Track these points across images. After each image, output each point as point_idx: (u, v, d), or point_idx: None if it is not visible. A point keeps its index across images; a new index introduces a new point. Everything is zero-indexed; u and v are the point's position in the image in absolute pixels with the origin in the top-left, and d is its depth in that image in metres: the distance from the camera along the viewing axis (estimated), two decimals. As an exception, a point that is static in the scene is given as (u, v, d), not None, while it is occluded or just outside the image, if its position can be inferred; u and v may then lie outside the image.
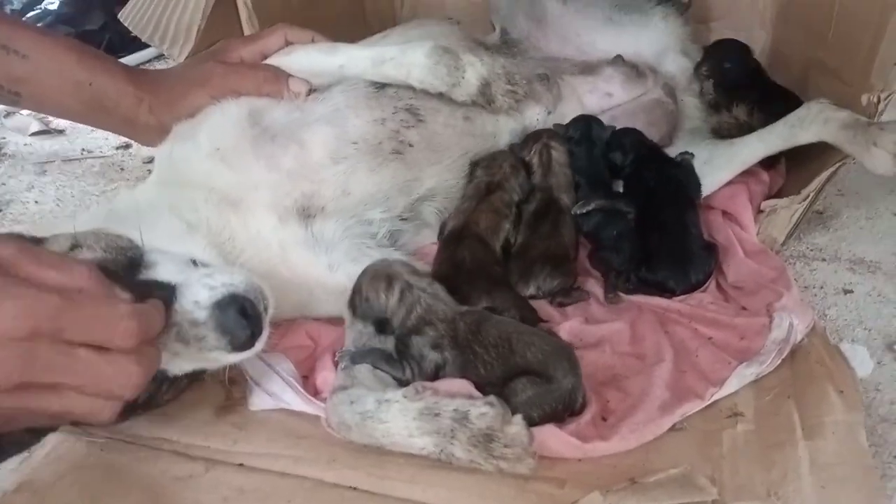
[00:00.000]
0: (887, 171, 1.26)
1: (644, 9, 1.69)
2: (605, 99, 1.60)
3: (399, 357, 1.15)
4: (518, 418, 0.96)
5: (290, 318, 1.26)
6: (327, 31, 1.64)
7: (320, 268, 1.28)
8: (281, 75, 1.34)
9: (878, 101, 1.34)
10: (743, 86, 1.63)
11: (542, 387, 1.02)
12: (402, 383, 1.11)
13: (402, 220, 1.40)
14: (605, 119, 1.56)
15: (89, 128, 2.08)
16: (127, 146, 2.02)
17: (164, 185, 1.26)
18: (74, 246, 0.99)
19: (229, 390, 1.16)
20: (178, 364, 0.99)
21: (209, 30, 1.50)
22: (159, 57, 2.41)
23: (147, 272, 1.00)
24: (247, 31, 1.58)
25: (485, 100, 1.37)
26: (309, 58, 1.37)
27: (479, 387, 1.07)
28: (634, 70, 1.61)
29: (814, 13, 1.66)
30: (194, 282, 0.97)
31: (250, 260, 1.20)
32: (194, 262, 1.03)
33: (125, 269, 0.99)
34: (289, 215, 1.27)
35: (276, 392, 1.12)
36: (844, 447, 1.01)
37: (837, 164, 1.38)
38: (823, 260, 1.47)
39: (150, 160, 1.94)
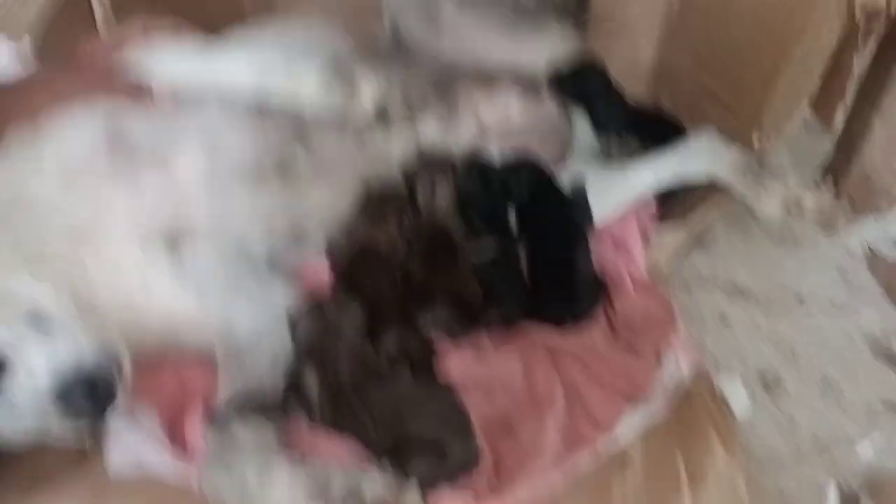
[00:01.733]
0: (775, 217, 1.29)
1: (541, 21, 1.64)
2: (501, 112, 1.54)
3: (287, 392, 1.07)
4: (413, 489, 0.92)
5: (153, 354, 1.13)
6: (199, 16, 1.48)
7: (189, 300, 1.15)
8: (139, 83, 1.17)
9: (768, 144, 1.37)
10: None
11: (435, 461, 0.98)
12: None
13: (284, 240, 1.29)
14: (499, 134, 1.51)
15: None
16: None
17: (1, 209, 1.09)
18: None
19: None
20: (19, 434, 0.87)
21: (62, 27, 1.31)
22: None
23: None
24: (98, 14, 1.39)
25: (380, 118, 1.28)
26: (179, 58, 1.20)
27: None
28: (531, 85, 1.57)
29: (705, 39, 1.67)
30: (31, 345, 0.85)
31: (106, 295, 1.07)
32: (33, 315, 0.90)
33: None
34: (153, 244, 1.13)
35: (139, 452, 1.00)
36: (726, 498, 1.05)
37: (724, 198, 1.40)
38: (702, 285, 1.51)
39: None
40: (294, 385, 1.09)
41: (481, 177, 1.42)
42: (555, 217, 1.37)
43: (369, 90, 1.24)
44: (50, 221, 1.06)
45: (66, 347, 0.86)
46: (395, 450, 1.00)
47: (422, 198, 1.37)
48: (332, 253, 1.32)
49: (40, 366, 0.84)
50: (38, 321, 0.90)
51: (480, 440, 1.06)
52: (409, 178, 1.39)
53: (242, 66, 1.19)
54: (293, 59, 1.21)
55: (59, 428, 0.85)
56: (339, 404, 1.06)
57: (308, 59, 1.22)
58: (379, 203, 1.34)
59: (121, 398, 0.89)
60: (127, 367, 0.90)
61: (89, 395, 0.84)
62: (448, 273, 1.28)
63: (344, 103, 1.23)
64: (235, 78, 1.19)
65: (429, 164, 1.40)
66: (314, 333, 1.13)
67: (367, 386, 1.06)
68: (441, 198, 1.37)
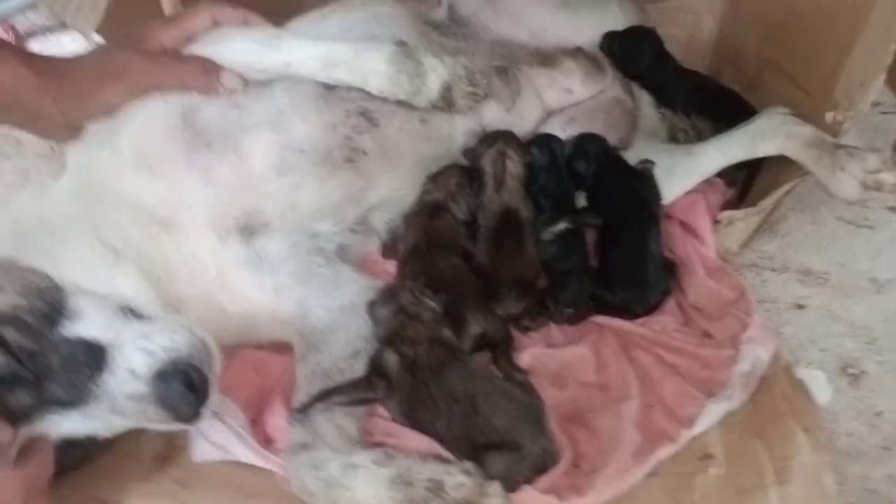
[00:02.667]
0: (852, 198, 1.24)
1: (599, -7, 1.59)
2: (565, 95, 1.51)
3: (370, 373, 1.07)
4: (496, 488, 0.90)
5: (231, 346, 1.13)
6: (259, 2, 1.47)
7: (265, 291, 1.16)
8: (211, 68, 1.15)
9: (843, 121, 1.31)
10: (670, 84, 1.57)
11: (511, 458, 0.96)
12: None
13: (353, 231, 1.29)
14: (564, 118, 1.48)
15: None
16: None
17: (78, 198, 1.09)
18: None
19: (169, 437, 1.04)
20: (110, 428, 0.87)
21: (124, 3, 1.30)
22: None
23: (70, 324, 0.85)
24: (166, 4, 1.38)
25: (445, 104, 1.25)
26: (247, 50, 1.17)
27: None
28: (595, 64, 1.52)
29: (770, 12, 1.61)
30: (128, 342, 0.84)
31: (186, 287, 1.08)
32: (126, 310, 0.89)
33: (43, 319, 0.85)
34: (229, 234, 1.14)
35: (222, 443, 1.01)
36: (813, 492, 1.03)
37: (797, 181, 1.36)
38: (773, 270, 1.47)
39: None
40: (375, 368, 1.08)
41: (550, 154, 1.39)
42: (625, 197, 1.34)
43: (436, 76, 1.22)
44: (129, 210, 1.07)
45: (162, 341, 0.86)
46: (473, 444, 0.98)
47: (490, 172, 1.34)
48: (396, 241, 1.31)
49: (139, 360, 0.83)
50: (129, 314, 0.90)
51: (559, 435, 1.04)
52: (476, 154, 1.37)
53: (311, 55, 1.18)
54: (360, 48, 1.19)
55: (157, 421, 0.85)
56: (417, 387, 1.05)
57: (375, 47, 1.19)
58: (443, 179, 1.32)
59: (214, 391, 0.88)
60: (218, 360, 0.90)
61: (187, 389, 0.84)
62: (515, 259, 1.26)
63: (411, 89, 1.21)
64: (304, 67, 1.17)
65: (497, 137, 1.37)
66: (393, 320, 1.12)
67: (445, 371, 1.04)
68: (510, 173, 1.34)
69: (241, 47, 1.17)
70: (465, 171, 1.37)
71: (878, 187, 1.23)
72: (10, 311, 0.83)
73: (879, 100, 1.34)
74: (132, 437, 1.00)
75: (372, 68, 1.18)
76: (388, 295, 1.16)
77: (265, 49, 1.18)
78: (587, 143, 1.41)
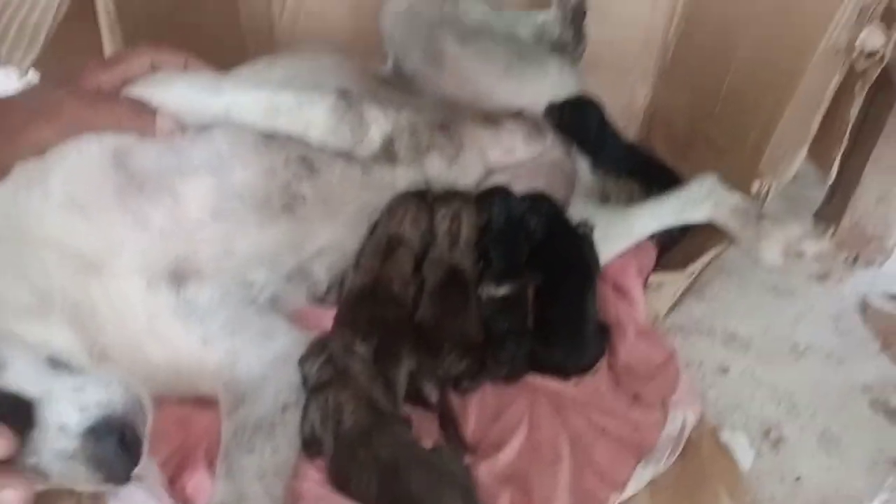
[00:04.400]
0: (775, 264, 1.29)
1: (541, 59, 1.64)
2: (507, 155, 1.52)
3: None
4: None
5: (153, 399, 1.08)
6: (199, 41, 1.46)
7: (193, 341, 1.11)
8: (147, 110, 1.12)
9: (768, 190, 1.37)
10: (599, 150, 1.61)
11: None
12: None
13: (288, 281, 1.26)
14: (507, 175, 1.49)
15: None
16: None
17: (3, 240, 1.03)
18: None
19: (79, 499, 0.98)
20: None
21: (63, 38, 1.27)
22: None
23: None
24: (107, 41, 1.35)
25: (387, 156, 1.25)
26: (187, 95, 1.15)
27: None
28: (535, 126, 1.55)
29: (700, 84, 1.69)
30: (59, 396, 0.79)
31: (113, 335, 1.03)
32: (54, 363, 0.85)
33: None
34: (159, 280, 1.10)
35: (139, 501, 0.95)
36: (737, 557, 1.03)
37: (724, 247, 1.41)
38: (700, 333, 1.51)
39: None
40: (305, 429, 1.05)
41: (507, 209, 1.39)
42: (570, 258, 1.35)
43: (377, 127, 1.23)
44: (56, 254, 1.02)
45: (96, 396, 0.81)
46: None
47: (445, 230, 1.34)
48: (340, 289, 1.29)
49: (71, 416, 0.79)
50: (58, 367, 0.85)
51: (492, 501, 1.02)
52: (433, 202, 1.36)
53: (252, 102, 1.16)
54: (302, 97, 1.18)
55: (85, 482, 0.80)
56: (341, 450, 1.02)
57: (317, 97, 1.19)
58: (390, 238, 1.31)
59: (146, 451, 0.84)
60: (150, 417, 0.86)
61: (121, 447, 0.79)
62: (459, 317, 1.25)
63: (352, 140, 1.21)
64: (245, 115, 1.16)
65: (454, 197, 1.37)
66: (322, 376, 1.09)
67: (371, 435, 1.02)
68: (464, 234, 1.34)
69: (180, 92, 1.15)
70: (421, 201, 1.36)
71: (799, 256, 1.28)
72: None
73: (801, 171, 1.41)
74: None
75: (313, 118, 1.18)
76: (319, 346, 1.14)
77: (205, 94, 1.16)
78: (540, 201, 1.43)
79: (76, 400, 0.80)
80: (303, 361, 1.12)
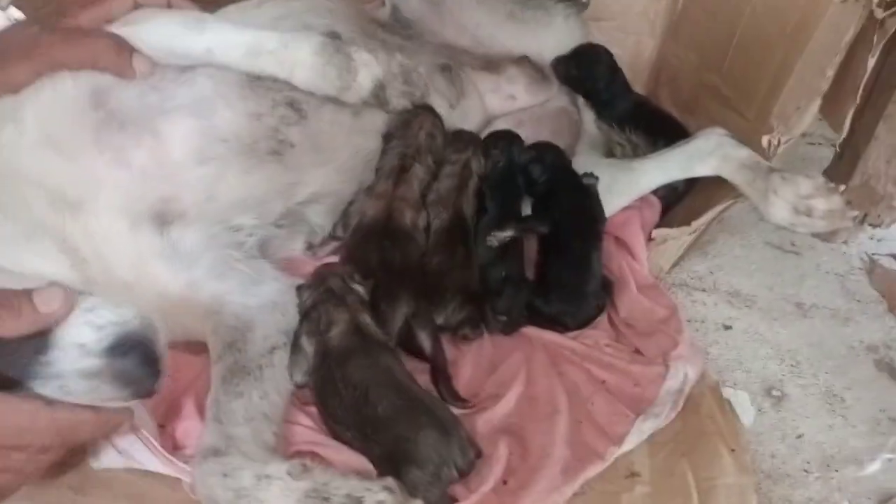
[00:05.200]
0: (784, 221, 1.25)
1: (546, 6, 1.59)
2: (509, 101, 1.49)
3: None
4: None
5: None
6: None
7: (179, 285, 1.08)
8: (123, 47, 1.07)
9: (779, 144, 1.33)
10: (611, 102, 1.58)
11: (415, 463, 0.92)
12: None
13: (277, 226, 1.23)
14: (512, 121, 1.46)
15: None
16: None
17: None
18: None
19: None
20: None
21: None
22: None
23: None
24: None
25: (378, 102, 1.20)
26: (168, 33, 1.10)
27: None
28: (539, 73, 1.51)
29: (709, 36, 1.63)
30: (70, 319, 0.77)
31: (101, 275, 1.00)
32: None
33: None
34: (142, 221, 1.06)
35: (126, 448, 0.93)
36: (736, 513, 1.01)
37: (731, 202, 1.37)
38: (703, 290, 1.48)
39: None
40: (295, 350, 1.06)
41: (509, 155, 1.36)
42: (575, 211, 1.32)
43: (367, 72, 1.17)
44: (34, 188, 0.99)
45: (109, 315, 0.79)
46: (363, 436, 0.97)
47: (453, 171, 1.31)
48: (349, 216, 1.29)
49: (88, 335, 0.77)
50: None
51: (489, 449, 1.01)
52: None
53: (235, 42, 1.11)
54: (288, 38, 1.13)
55: (110, 398, 0.79)
56: (326, 371, 1.02)
57: (304, 37, 1.13)
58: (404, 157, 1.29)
59: (166, 365, 0.82)
60: (163, 335, 0.84)
61: (141, 360, 0.78)
62: (463, 267, 1.23)
63: (340, 84, 1.15)
64: (227, 55, 1.11)
65: (469, 143, 1.34)
66: (316, 299, 1.09)
67: (350, 358, 1.02)
68: (473, 181, 1.32)
69: (161, 30, 1.10)
70: (436, 119, 1.33)
71: (809, 212, 1.24)
72: None
73: (808, 131, 1.37)
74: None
75: (299, 59, 1.12)
76: (318, 278, 1.13)
77: (187, 32, 1.11)
78: (545, 150, 1.40)
79: (89, 319, 0.78)
80: (300, 290, 1.11)
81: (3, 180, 0.99)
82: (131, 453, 0.93)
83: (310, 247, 1.31)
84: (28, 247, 0.94)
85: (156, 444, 0.93)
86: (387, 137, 1.32)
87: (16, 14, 1.38)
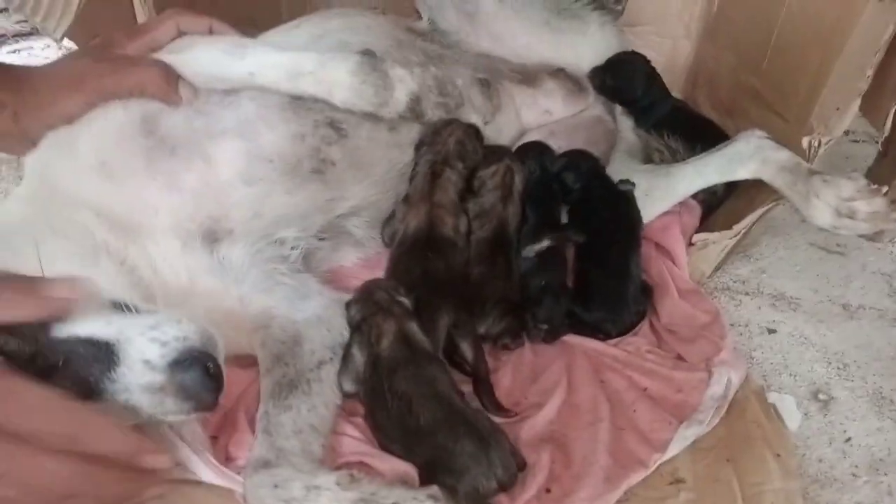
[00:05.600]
0: (826, 224, 1.24)
1: (581, 15, 1.60)
2: (545, 116, 1.51)
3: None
4: None
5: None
6: (234, 7, 1.45)
7: (230, 300, 1.13)
8: (170, 74, 1.12)
9: (819, 146, 1.32)
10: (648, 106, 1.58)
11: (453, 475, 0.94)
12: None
13: (320, 239, 1.27)
14: (544, 132, 1.47)
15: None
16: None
17: (39, 203, 1.06)
18: None
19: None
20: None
21: (96, 7, 1.27)
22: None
23: (62, 325, 0.82)
24: (138, 10, 1.35)
25: (414, 115, 1.23)
26: (211, 58, 1.15)
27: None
28: (577, 85, 1.53)
29: (746, 37, 1.62)
30: (136, 335, 0.82)
31: (159, 292, 1.05)
32: (118, 305, 0.87)
33: (29, 328, 0.80)
34: (193, 240, 1.11)
35: (181, 460, 0.97)
36: (784, 519, 1.00)
37: (772, 204, 1.36)
38: (747, 294, 1.47)
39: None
40: (346, 362, 1.10)
41: (542, 165, 1.38)
42: (612, 218, 1.33)
43: (403, 87, 1.20)
44: (92, 215, 1.04)
45: (173, 331, 0.83)
46: (407, 447, 0.99)
47: (497, 184, 1.33)
48: (394, 229, 1.31)
49: (153, 351, 0.81)
50: (123, 310, 0.87)
51: (532, 457, 1.02)
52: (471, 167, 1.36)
53: (275, 65, 1.16)
54: (325, 58, 1.17)
55: (174, 412, 0.82)
56: (376, 381, 1.05)
57: (341, 57, 1.18)
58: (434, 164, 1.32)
59: (225, 377, 0.86)
60: (223, 350, 0.87)
61: (203, 374, 0.81)
62: (504, 278, 1.25)
63: (377, 101, 1.19)
64: (268, 78, 1.16)
65: (504, 154, 1.36)
66: (365, 312, 1.12)
67: (398, 369, 1.04)
68: (517, 189, 1.34)
69: (205, 56, 1.15)
70: (468, 128, 1.35)
71: (852, 215, 1.23)
72: None
73: (851, 128, 1.35)
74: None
75: (337, 79, 1.16)
76: (365, 292, 1.16)
77: (229, 58, 1.16)
78: (579, 157, 1.41)
79: (154, 336, 0.82)
80: (349, 304, 1.15)
81: (63, 208, 1.04)
82: (185, 464, 0.97)
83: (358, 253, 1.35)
84: (90, 268, 0.98)
85: (209, 455, 0.97)
86: (418, 146, 1.35)
87: (68, 44, 1.44)
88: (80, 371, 0.79)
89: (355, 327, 1.12)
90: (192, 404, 0.82)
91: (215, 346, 0.86)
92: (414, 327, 1.10)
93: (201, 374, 0.81)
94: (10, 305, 0.84)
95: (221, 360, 0.86)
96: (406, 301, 1.13)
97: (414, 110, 1.23)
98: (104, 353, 0.80)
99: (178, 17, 1.20)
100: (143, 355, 0.81)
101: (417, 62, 1.29)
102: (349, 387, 1.08)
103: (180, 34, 1.20)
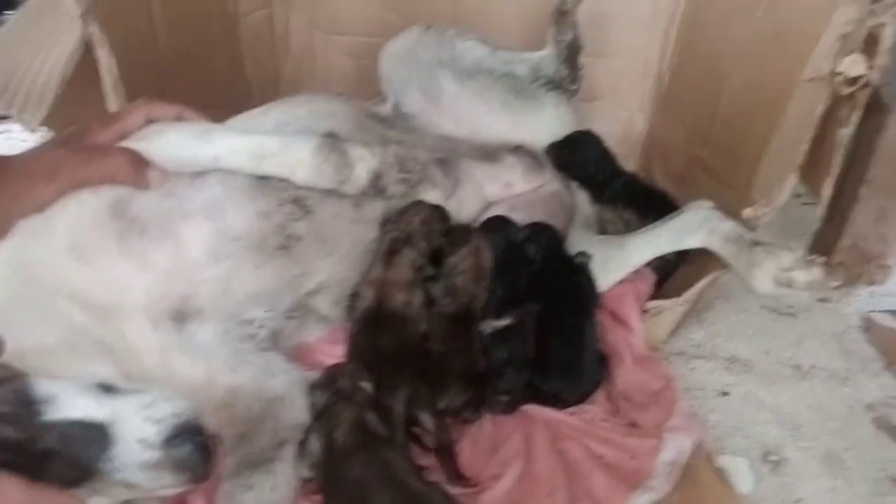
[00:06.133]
0: (768, 292, 1.30)
1: (537, 95, 1.68)
2: (506, 189, 1.58)
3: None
4: None
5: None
6: (206, 91, 1.52)
7: (199, 378, 1.16)
8: (140, 161, 1.17)
9: (760, 217, 1.39)
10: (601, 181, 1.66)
11: None
12: None
13: (288, 318, 1.31)
14: (505, 207, 1.54)
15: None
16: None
17: (12, 289, 1.09)
18: None
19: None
20: (116, 501, 0.89)
21: (71, 97, 1.33)
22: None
23: (50, 409, 0.85)
24: (111, 100, 1.40)
25: (376, 191, 1.30)
26: (178, 144, 1.21)
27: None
28: (535, 160, 1.60)
29: (695, 110, 1.72)
30: (130, 415, 0.85)
31: (135, 371, 1.08)
32: (103, 387, 0.90)
33: (20, 408, 0.84)
34: (163, 319, 1.15)
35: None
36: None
37: (719, 273, 1.42)
38: (702, 357, 1.52)
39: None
40: (303, 448, 1.12)
41: (507, 239, 1.44)
42: (567, 289, 1.39)
43: (364, 164, 1.27)
44: (67, 299, 1.08)
45: (166, 409, 0.86)
46: None
47: (469, 265, 1.37)
48: (349, 315, 1.35)
49: (149, 430, 0.84)
50: (111, 391, 0.90)
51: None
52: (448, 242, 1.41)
53: (239, 149, 1.22)
54: (288, 141, 1.24)
55: (171, 485, 0.86)
56: (329, 469, 1.08)
57: (303, 139, 1.24)
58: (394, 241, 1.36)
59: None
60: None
61: (197, 446, 0.85)
62: (466, 351, 1.28)
63: (338, 179, 1.25)
64: (233, 161, 1.21)
65: (470, 234, 1.41)
66: (326, 401, 1.15)
67: (352, 457, 1.07)
68: (488, 267, 1.38)
69: (172, 142, 1.20)
70: (436, 208, 1.40)
71: (790, 284, 1.29)
72: None
73: (800, 192, 1.43)
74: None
75: (298, 160, 1.22)
76: (328, 379, 1.20)
77: (196, 143, 1.22)
78: (540, 229, 1.48)
79: (148, 415, 0.85)
80: (312, 390, 1.18)
81: (39, 296, 1.08)
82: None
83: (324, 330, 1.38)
84: (71, 354, 1.02)
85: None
86: (383, 223, 1.40)
87: (43, 133, 1.50)
88: (77, 453, 0.83)
89: (316, 416, 1.15)
90: (187, 476, 0.85)
91: (199, 416, 0.89)
92: (371, 415, 1.13)
93: (195, 447, 0.85)
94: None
95: (207, 428, 0.89)
96: (368, 386, 1.17)
97: (375, 186, 1.29)
98: (99, 435, 0.83)
99: (147, 106, 1.25)
100: (139, 434, 0.84)
101: (378, 143, 1.36)
102: (305, 472, 1.10)
103: (149, 122, 1.25)
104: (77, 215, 1.13)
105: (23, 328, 1.01)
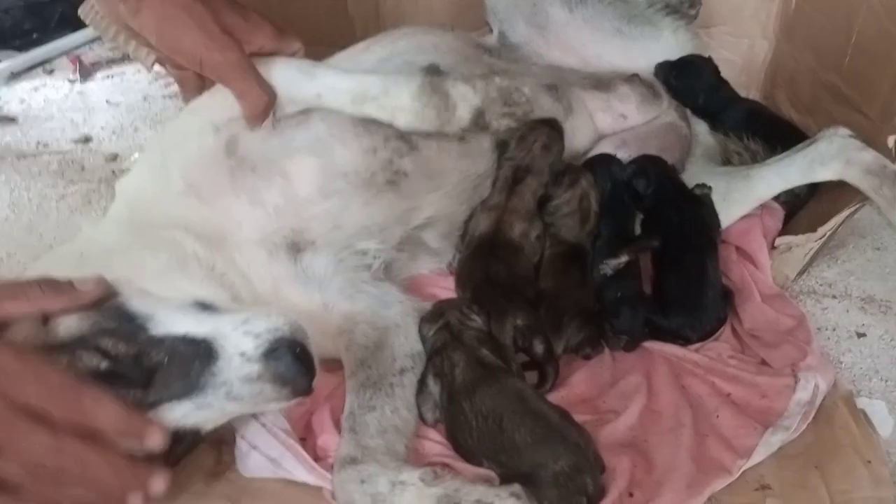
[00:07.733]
0: (916, 229, 1.20)
1: (654, 21, 1.59)
2: (619, 120, 1.51)
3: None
4: None
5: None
6: (308, 27, 1.51)
7: (314, 306, 1.18)
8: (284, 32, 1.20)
9: (905, 142, 1.28)
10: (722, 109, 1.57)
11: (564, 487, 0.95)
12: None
13: (398, 250, 1.30)
14: (616, 141, 1.48)
15: (43, 116, 1.91)
16: (86, 140, 1.85)
17: (131, 225, 1.13)
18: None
19: (219, 453, 1.06)
20: (222, 416, 0.92)
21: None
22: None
23: (159, 325, 0.89)
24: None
25: (479, 128, 1.26)
26: (286, 75, 1.19)
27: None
28: (651, 90, 1.52)
29: (825, 36, 1.59)
30: (229, 330, 0.88)
31: (246, 296, 1.11)
32: (207, 307, 0.93)
33: (131, 326, 0.88)
34: (278, 250, 1.17)
35: (276, 457, 1.02)
36: (875, 528, 0.98)
37: (858, 206, 1.33)
38: (834, 297, 1.42)
39: (114, 157, 1.80)
40: (422, 390, 1.12)
41: (612, 178, 1.38)
42: (686, 223, 1.32)
43: (465, 104, 1.24)
44: (181, 232, 1.10)
45: (264, 324, 0.88)
46: (500, 464, 0.99)
47: (574, 208, 1.34)
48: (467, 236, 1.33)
49: (248, 344, 0.86)
50: (209, 309, 0.93)
51: (612, 462, 1.03)
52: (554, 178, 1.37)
53: (341, 89, 1.20)
54: (389, 83, 1.21)
55: (273, 399, 0.88)
56: (453, 407, 1.07)
57: (404, 81, 1.22)
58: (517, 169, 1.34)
59: (317, 362, 0.91)
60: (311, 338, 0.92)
61: (295, 359, 0.87)
62: (579, 289, 1.25)
63: (440, 122, 1.23)
64: (335, 101, 1.20)
65: (580, 176, 1.36)
66: (437, 339, 1.15)
67: (477, 389, 1.06)
68: (594, 210, 1.34)
69: (276, 75, 1.18)
70: (552, 128, 1.36)
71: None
72: (99, 326, 0.87)
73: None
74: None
75: (399, 105, 1.20)
76: (437, 313, 1.19)
77: (300, 76, 1.20)
78: (648, 163, 1.40)
79: (247, 329, 0.87)
80: (422, 324, 1.18)
81: (155, 227, 1.11)
82: (280, 462, 1.01)
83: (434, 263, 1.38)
84: (181, 276, 1.04)
85: (303, 451, 1.02)
86: (502, 147, 1.36)
87: (158, 69, 1.52)
88: (184, 367, 0.85)
89: (428, 357, 1.15)
90: (289, 389, 0.87)
91: (304, 334, 0.91)
92: (484, 351, 1.12)
93: (294, 360, 0.86)
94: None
95: (312, 346, 0.90)
96: (478, 321, 1.16)
97: (478, 124, 1.26)
98: (204, 349, 0.86)
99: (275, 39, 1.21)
100: (239, 348, 0.86)
101: (481, 75, 1.31)
102: (429, 416, 1.10)
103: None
104: (193, 155, 1.16)
105: (138, 257, 1.05)
